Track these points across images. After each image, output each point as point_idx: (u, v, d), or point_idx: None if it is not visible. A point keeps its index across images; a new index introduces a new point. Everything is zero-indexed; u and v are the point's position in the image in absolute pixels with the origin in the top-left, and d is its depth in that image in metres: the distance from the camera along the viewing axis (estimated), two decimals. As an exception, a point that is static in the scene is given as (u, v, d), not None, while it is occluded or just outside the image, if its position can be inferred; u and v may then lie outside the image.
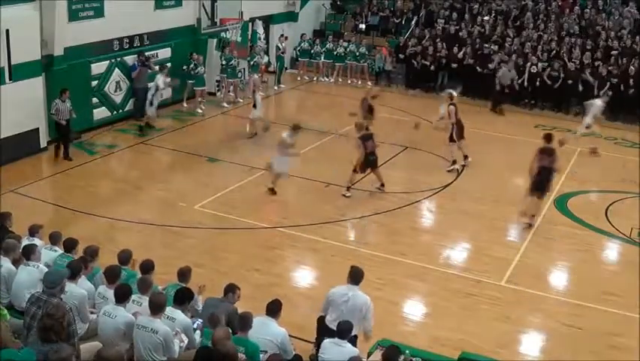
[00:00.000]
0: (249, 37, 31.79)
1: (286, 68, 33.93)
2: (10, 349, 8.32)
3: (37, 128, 22.14)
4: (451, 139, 22.12)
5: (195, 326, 10.75)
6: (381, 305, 14.44)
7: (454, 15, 35.18)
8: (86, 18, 23.75)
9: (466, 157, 22.44)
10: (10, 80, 20.89)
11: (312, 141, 24.23)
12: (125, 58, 25.64)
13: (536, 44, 31.77)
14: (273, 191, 19.91)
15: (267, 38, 33.75)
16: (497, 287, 15.68)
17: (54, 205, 19.08)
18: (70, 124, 21.97)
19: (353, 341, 10.74)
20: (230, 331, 9.65)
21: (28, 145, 21.83)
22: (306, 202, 19.93)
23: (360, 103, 23.72)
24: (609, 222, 19.31)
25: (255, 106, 24.73)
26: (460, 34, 33.36)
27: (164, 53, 27.38)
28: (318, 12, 38.56)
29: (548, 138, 18.93)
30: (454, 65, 31.85)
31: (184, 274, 11.64)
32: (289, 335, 10.72)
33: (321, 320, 11.90)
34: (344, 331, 10.23)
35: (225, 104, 28.87)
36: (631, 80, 28.92)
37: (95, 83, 24.49)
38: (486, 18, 34.71)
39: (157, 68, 26.03)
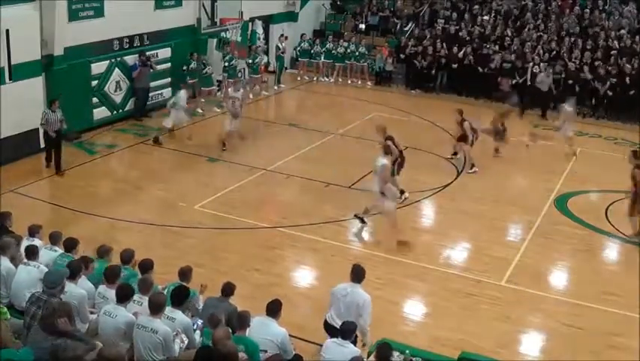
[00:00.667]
0: (249, 37, 31.81)
1: (286, 68, 33.94)
2: (9, 349, 8.33)
3: (37, 129, 22.09)
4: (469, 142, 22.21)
5: (195, 326, 10.75)
6: (381, 305, 14.45)
7: (454, 15, 35.17)
8: (86, 18, 23.73)
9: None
10: (10, 80, 20.87)
11: (312, 140, 24.23)
12: (125, 58, 25.62)
13: (536, 44, 31.78)
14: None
15: (266, 38, 33.78)
16: (497, 287, 15.68)
17: (54, 205, 19.08)
18: (61, 135, 21.22)
19: (354, 340, 10.75)
20: (230, 330, 9.65)
21: (28, 145, 21.78)
22: (306, 202, 19.92)
23: (492, 122, 23.41)
24: (609, 222, 19.32)
25: (235, 117, 23.72)
26: (460, 34, 33.35)
27: (164, 52, 27.38)
28: (318, 12, 38.57)
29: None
30: (454, 65, 31.82)
31: (185, 273, 11.62)
32: (289, 335, 10.72)
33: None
34: (347, 331, 10.23)
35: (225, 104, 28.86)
36: (627, 79, 28.94)
37: (95, 82, 24.46)
38: (486, 18, 34.71)
39: (157, 67, 26.13)
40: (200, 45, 28.94)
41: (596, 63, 29.93)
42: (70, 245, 12.55)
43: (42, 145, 21.50)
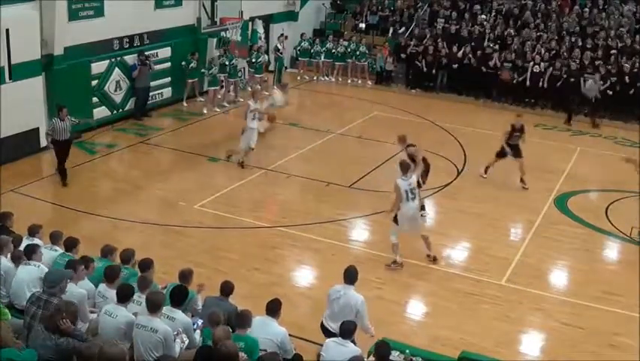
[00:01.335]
0: (249, 36, 31.83)
1: (286, 68, 33.91)
2: (11, 349, 8.32)
3: (37, 128, 22.12)
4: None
5: (195, 326, 10.75)
6: (382, 305, 14.49)
7: (454, 14, 35.17)
8: (86, 17, 23.73)
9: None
10: (10, 79, 20.87)
11: (312, 140, 24.24)
12: (125, 57, 25.63)
13: (536, 43, 31.79)
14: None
15: (266, 38, 33.77)
16: (498, 287, 15.68)
17: (54, 205, 19.08)
18: (69, 144, 20.52)
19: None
20: (230, 330, 9.65)
21: (28, 145, 21.82)
22: (307, 202, 19.93)
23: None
24: (609, 221, 19.32)
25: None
26: (461, 33, 33.35)
27: (164, 52, 27.40)
28: (318, 11, 38.58)
29: None
30: (455, 65, 31.85)
31: (185, 276, 11.57)
32: (289, 335, 10.72)
33: None
34: (347, 331, 10.23)
35: (226, 104, 28.87)
36: (626, 78, 28.97)
37: (95, 82, 24.48)
38: (483, 17, 34.70)
39: (157, 67, 26.17)
40: (200, 45, 28.93)
41: (596, 62, 29.93)
42: (71, 244, 12.57)
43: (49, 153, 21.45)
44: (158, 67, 26.76)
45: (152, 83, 26.64)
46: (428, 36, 33.69)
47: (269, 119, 21.88)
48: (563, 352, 13.46)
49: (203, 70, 28.01)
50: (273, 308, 10.65)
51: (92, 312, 11.05)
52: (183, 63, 27.87)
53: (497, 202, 20.09)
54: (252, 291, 14.12)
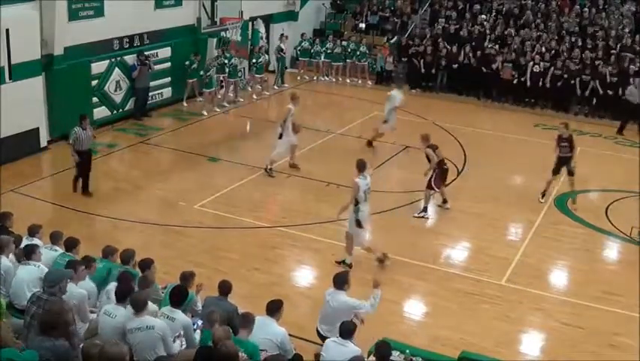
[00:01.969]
0: (249, 36, 31.84)
1: (286, 68, 33.88)
2: (11, 349, 8.32)
3: (37, 128, 22.15)
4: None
5: (195, 326, 10.76)
6: (382, 305, 14.34)
7: (454, 14, 35.18)
8: (86, 17, 23.72)
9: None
10: (10, 79, 20.87)
11: (313, 140, 24.23)
12: (125, 57, 25.62)
13: (535, 43, 31.80)
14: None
15: (267, 38, 33.76)
16: (498, 286, 15.69)
17: (54, 205, 19.09)
18: (91, 154, 19.98)
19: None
20: (231, 330, 9.64)
21: (28, 145, 21.84)
22: (307, 202, 19.92)
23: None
24: (609, 221, 19.32)
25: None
26: (461, 33, 33.37)
27: (164, 52, 27.40)
28: (318, 11, 38.58)
29: None
30: (455, 65, 31.87)
31: (186, 277, 11.56)
32: (289, 335, 10.72)
33: None
34: (346, 331, 10.24)
35: (226, 104, 28.89)
36: (631, 80, 28.96)
37: (95, 82, 24.47)
38: (483, 17, 34.70)
39: (156, 67, 26.20)
40: (200, 45, 28.93)
41: (596, 62, 29.95)
42: (71, 244, 12.57)
43: (47, 139, 21.65)
44: (158, 67, 26.76)
45: (152, 83, 26.64)
46: (428, 36, 33.69)
47: (294, 130, 21.56)
48: (562, 352, 13.46)
49: (201, 72, 28.01)
50: (274, 308, 10.65)
51: (92, 312, 11.06)
52: (187, 63, 27.92)
53: (497, 202, 20.08)
54: (252, 291, 14.13)
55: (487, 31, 33.49)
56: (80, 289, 10.69)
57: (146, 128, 25.32)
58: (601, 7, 34.49)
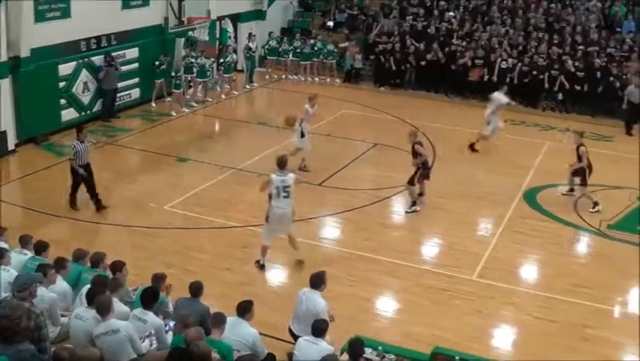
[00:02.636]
0: (217, 36, 31.79)
1: (255, 67, 33.77)
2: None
3: (5, 131, 21.99)
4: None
5: (168, 327, 10.72)
6: (353, 302, 14.51)
7: (422, 11, 35.23)
8: (53, 19, 23.57)
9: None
10: (-24, 82, 20.76)
11: (282, 138, 24.13)
12: (93, 58, 25.48)
13: (503, 39, 31.95)
14: None
15: (235, 37, 33.69)
16: (469, 282, 15.74)
17: (23, 208, 18.93)
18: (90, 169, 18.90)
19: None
20: (204, 331, 9.60)
21: (-4, 147, 21.74)
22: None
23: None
24: (578, 215, 19.44)
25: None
26: (429, 30, 33.44)
27: (132, 53, 27.28)
28: (286, 10, 38.55)
29: None
30: (423, 62, 31.94)
31: (157, 279, 11.53)
32: (261, 333, 10.71)
33: None
34: (319, 329, 10.24)
35: (194, 104, 28.80)
36: (598, 74, 29.21)
37: (62, 84, 24.32)
38: (451, 14, 34.82)
39: (123, 68, 26.10)
40: (167, 45, 28.83)
41: (563, 58, 30.13)
42: (40, 248, 12.49)
43: (14, 142, 21.34)
44: (125, 68, 26.65)
45: (120, 84, 26.52)
46: (396, 33, 33.72)
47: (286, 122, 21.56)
48: (535, 345, 13.54)
49: (172, 72, 27.93)
50: (244, 309, 10.61)
51: (63, 315, 10.99)
52: (156, 63, 27.85)
53: (467, 198, 20.14)
54: (223, 291, 14.10)
55: (456, 28, 33.59)
56: (50, 293, 10.62)
57: (115, 129, 25.19)
58: (567, 3, 34.64)
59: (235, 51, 32.38)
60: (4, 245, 12.46)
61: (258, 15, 35.60)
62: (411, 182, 19.23)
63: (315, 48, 34.15)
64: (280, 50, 34.32)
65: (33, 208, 18.64)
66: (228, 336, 10.10)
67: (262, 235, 16.26)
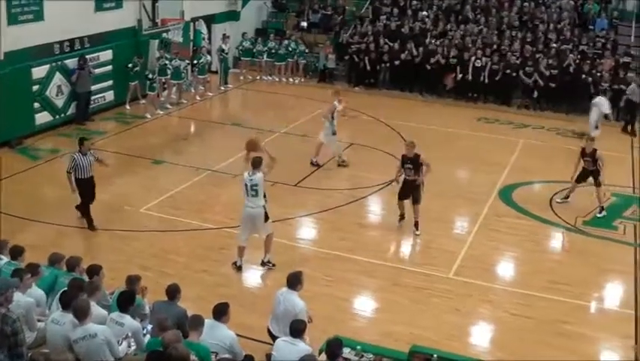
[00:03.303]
0: (191, 37, 31.72)
1: (229, 68, 33.71)
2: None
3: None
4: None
5: (145, 331, 10.68)
6: (331, 302, 14.51)
7: (395, 11, 35.29)
8: (26, 21, 23.44)
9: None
10: (-52, 86, 20.62)
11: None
12: (66, 61, 25.34)
13: (477, 38, 32.07)
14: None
15: (209, 38, 33.62)
16: (446, 280, 15.78)
17: (-2, 212, 18.85)
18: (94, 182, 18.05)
19: None
20: (181, 334, 9.57)
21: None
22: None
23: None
24: (554, 212, 19.53)
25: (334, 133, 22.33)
26: (403, 30, 33.50)
27: (106, 55, 27.15)
28: (260, 11, 38.54)
29: None
30: (397, 62, 32.01)
31: (132, 281, 11.50)
32: (239, 335, 10.70)
33: None
34: (297, 330, 10.23)
35: (169, 106, 28.72)
36: (570, 69, 29.63)
37: (36, 87, 24.17)
38: (424, 13, 34.90)
39: (95, 71, 26.00)
40: (141, 47, 28.72)
41: (537, 56, 30.28)
42: (16, 253, 12.41)
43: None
44: (99, 70, 26.51)
45: (95, 87, 26.39)
46: (370, 33, 33.76)
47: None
48: (513, 342, 13.60)
49: (147, 73, 27.88)
50: (220, 312, 10.59)
51: (39, 320, 10.93)
52: (129, 65, 27.75)
53: (443, 196, 20.15)
54: (200, 293, 14.05)
55: (430, 27, 33.68)
56: (27, 297, 10.56)
57: (89, 132, 24.99)
58: (541, 1, 34.78)
59: (209, 52, 32.32)
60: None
61: (232, 16, 35.54)
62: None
63: (290, 49, 34.17)
64: (254, 50, 34.27)
65: (7, 212, 18.49)
66: (206, 339, 10.08)
67: (237, 236, 16.20)
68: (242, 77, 34.01)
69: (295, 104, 29.35)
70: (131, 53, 28.01)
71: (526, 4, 34.58)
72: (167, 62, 28.70)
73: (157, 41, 29.55)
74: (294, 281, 11.78)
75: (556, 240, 18.62)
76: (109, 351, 9.64)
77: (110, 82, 27.52)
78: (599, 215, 19.53)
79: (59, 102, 25.22)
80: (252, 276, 16.08)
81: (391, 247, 17.53)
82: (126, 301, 10.48)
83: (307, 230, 18.66)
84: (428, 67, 31.31)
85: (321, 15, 37.26)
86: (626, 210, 19.98)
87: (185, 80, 30.15)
